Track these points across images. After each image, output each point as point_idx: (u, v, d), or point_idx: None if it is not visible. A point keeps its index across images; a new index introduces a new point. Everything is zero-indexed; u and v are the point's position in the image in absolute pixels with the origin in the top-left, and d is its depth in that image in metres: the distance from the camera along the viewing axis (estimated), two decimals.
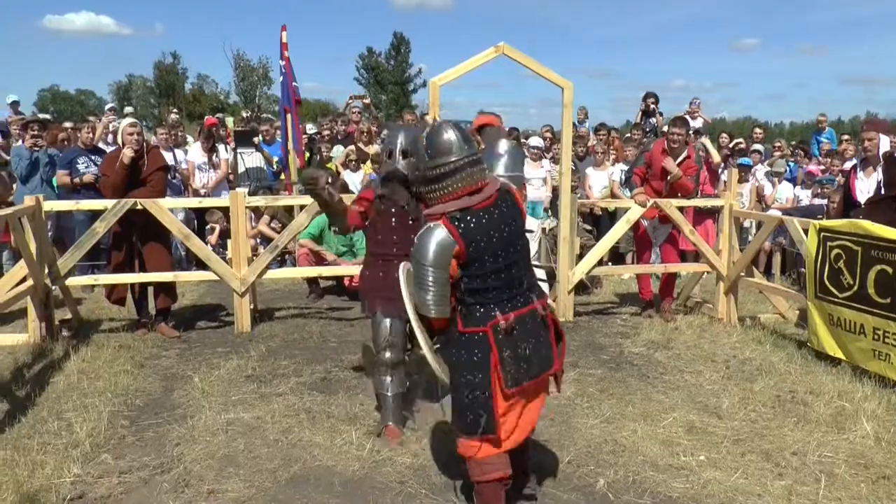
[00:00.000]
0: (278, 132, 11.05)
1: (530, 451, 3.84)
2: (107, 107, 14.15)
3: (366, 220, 4.67)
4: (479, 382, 3.33)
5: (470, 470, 3.47)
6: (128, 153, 6.63)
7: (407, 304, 3.50)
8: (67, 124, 11.40)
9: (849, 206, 7.00)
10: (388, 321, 4.56)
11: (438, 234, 3.30)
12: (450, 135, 3.43)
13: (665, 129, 8.33)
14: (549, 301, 3.87)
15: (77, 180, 8.66)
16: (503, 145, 4.38)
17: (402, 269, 3.59)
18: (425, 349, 3.52)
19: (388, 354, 4.59)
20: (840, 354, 5.99)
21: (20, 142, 9.23)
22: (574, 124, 12.55)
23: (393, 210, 4.60)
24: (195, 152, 10.35)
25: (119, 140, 6.85)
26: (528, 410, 3.53)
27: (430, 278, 3.30)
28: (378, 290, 4.55)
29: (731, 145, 11.42)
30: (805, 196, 10.19)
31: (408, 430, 4.62)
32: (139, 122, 7.14)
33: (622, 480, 4.05)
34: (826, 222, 6.39)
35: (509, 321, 3.35)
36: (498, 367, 3.32)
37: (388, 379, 4.60)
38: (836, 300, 6.01)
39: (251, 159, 10.41)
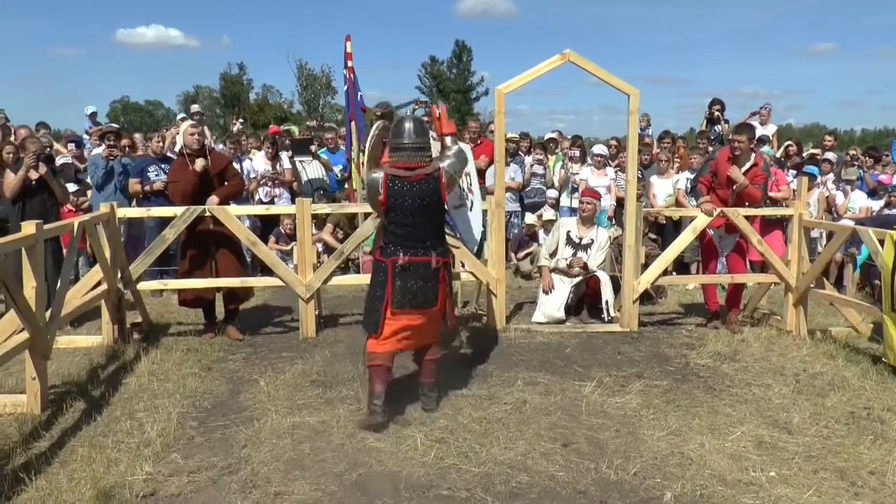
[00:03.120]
0: (342, 141, 11.20)
1: (430, 368, 5.21)
2: (179, 117, 14.51)
3: None
4: (379, 297, 4.92)
5: (365, 359, 4.98)
6: (200, 163, 6.82)
7: None
8: (137, 135, 11.74)
9: None
10: None
11: (375, 179, 4.95)
12: (406, 125, 5.04)
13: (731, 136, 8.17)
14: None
15: (147, 188, 8.93)
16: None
17: None
18: None
19: None
20: None
21: (97, 150, 9.55)
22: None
23: None
24: (259, 161, 10.56)
25: (180, 140, 7.06)
26: (418, 330, 5.01)
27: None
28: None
29: (802, 153, 11.14)
30: (878, 206, 9.87)
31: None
32: (200, 123, 7.38)
33: (689, 494, 3.97)
34: None
35: (405, 262, 4.87)
36: (389, 291, 4.87)
37: None
38: None
39: (311, 169, 10.56)
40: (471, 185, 6.30)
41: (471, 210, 6.28)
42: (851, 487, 4.05)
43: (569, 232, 8.06)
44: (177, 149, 10.39)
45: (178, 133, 11.38)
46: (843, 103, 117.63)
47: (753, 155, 7.33)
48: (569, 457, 4.40)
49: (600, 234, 8.11)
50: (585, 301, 7.88)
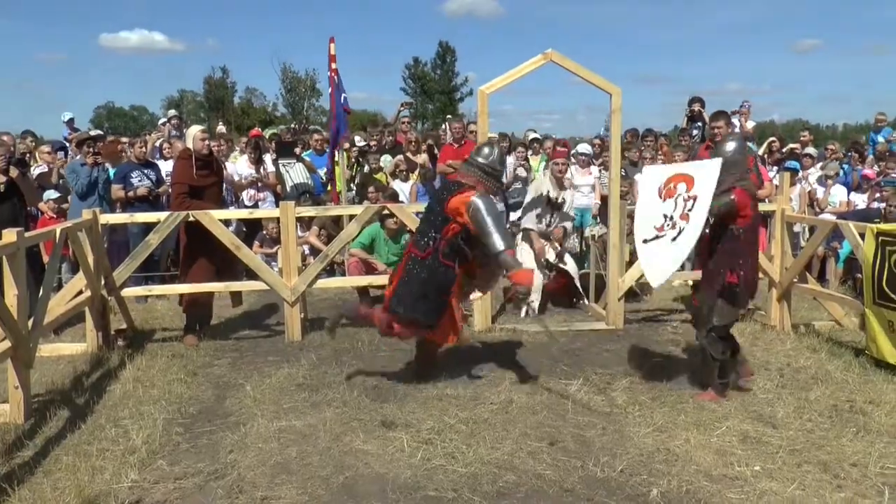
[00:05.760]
0: (327, 144, 11.17)
1: None
2: (160, 122, 14.43)
3: None
4: None
5: None
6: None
7: None
8: (124, 139, 11.69)
9: None
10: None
11: None
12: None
13: None
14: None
15: (131, 194, 8.89)
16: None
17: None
18: None
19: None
20: None
21: (77, 157, 9.49)
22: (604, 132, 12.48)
23: None
24: (242, 164, 10.52)
25: (189, 144, 7.10)
26: None
27: None
28: None
29: (783, 149, 11.23)
30: (861, 200, 9.95)
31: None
32: (178, 129, 7.45)
33: (675, 490, 3.99)
34: (884, 226, 6.25)
35: None
36: None
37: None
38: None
39: (295, 172, 10.51)
40: (688, 210, 5.14)
41: (673, 240, 5.15)
42: (834, 480, 4.09)
43: (548, 192, 8.15)
44: (169, 151, 10.39)
45: (159, 138, 11.39)
46: (829, 98, 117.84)
47: None
48: (555, 455, 4.41)
49: (568, 193, 8.37)
50: (556, 294, 8.16)
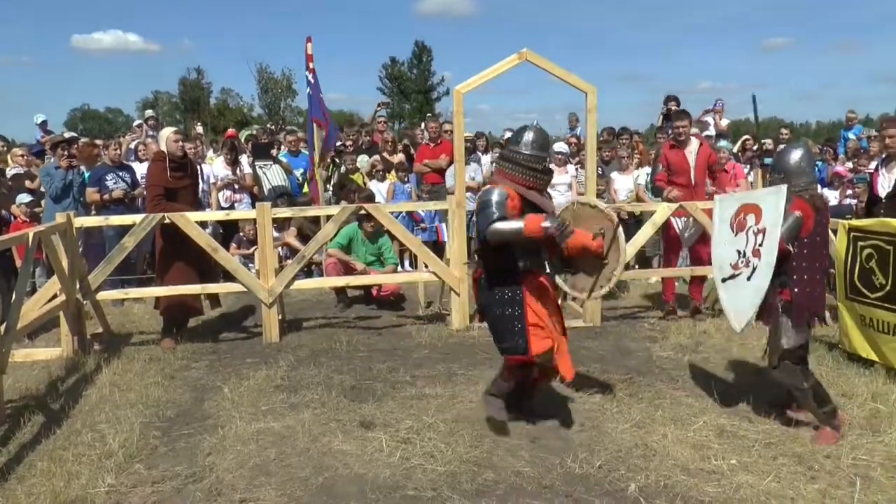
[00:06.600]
0: (302, 144, 11.14)
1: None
2: (135, 123, 14.28)
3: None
4: None
5: None
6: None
7: None
8: (98, 142, 11.58)
9: (871, 202, 6.96)
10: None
11: None
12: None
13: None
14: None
15: (107, 196, 8.81)
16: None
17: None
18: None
19: None
20: (873, 356, 5.90)
21: (52, 160, 9.39)
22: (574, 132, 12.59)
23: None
24: (218, 166, 10.45)
25: (163, 146, 7.08)
26: None
27: None
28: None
29: (754, 147, 11.36)
30: (833, 197, 10.07)
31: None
32: (154, 129, 7.39)
33: (653, 485, 4.02)
34: (856, 222, 6.32)
35: None
36: None
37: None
38: (867, 301, 5.94)
39: (273, 174, 10.47)
40: (758, 245, 4.73)
41: (748, 280, 4.78)
42: (808, 471, 4.15)
43: None
44: (144, 153, 10.29)
45: (133, 140, 11.29)
46: (800, 96, 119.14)
47: (694, 139, 7.61)
48: (534, 452, 4.44)
49: None
50: None
